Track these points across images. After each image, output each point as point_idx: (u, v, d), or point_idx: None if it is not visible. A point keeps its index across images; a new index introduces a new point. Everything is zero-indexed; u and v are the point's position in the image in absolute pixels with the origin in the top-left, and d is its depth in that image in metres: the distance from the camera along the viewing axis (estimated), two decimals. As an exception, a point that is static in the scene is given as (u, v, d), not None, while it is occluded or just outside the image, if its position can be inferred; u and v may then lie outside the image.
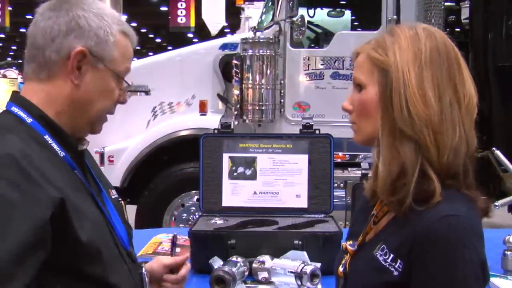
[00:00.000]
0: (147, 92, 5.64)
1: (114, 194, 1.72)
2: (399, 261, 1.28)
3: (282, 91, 5.38)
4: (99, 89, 1.50)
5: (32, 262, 1.26)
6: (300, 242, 2.35)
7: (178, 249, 1.97)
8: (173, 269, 1.88)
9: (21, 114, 1.45)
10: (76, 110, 1.49)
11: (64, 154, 1.46)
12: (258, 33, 5.39)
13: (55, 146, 1.45)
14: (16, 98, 1.50)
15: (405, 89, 1.29)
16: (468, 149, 1.31)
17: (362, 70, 1.39)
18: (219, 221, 2.58)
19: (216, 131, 2.81)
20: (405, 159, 1.29)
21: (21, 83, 11.98)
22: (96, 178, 1.63)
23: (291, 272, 2.11)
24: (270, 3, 6.08)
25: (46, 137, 1.44)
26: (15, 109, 1.46)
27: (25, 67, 1.52)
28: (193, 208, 5.40)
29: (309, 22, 5.75)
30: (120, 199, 1.75)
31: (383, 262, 1.31)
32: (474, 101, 1.34)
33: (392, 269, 1.29)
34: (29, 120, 1.44)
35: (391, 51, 1.33)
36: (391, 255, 1.30)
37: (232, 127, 2.83)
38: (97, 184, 1.62)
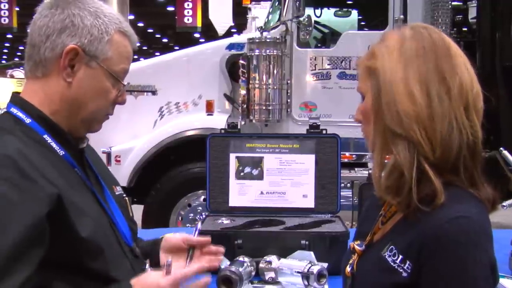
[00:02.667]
0: (154, 92, 5.65)
1: (118, 190, 1.73)
2: (408, 262, 1.28)
3: (288, 91, 5.37)
4: (93, 88, 1.51)
5: (31, 258, 1.29)
6: (307, 242, 2.35)
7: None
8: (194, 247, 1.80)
9: (20, 115, 1.47)
10: (69, 109, 1.50)
11: (63, 153, 1.48)
12: (264, 33, 5.39)
13: (54, 145, 1.47)
14: (15, 99, 1.51)
15: (391, 89, 1.31)
16: (461, 140, 1.29)
17: (361, 80, 1.43)
18: (225, 221, 2.58)
19: (223, 131, 2.81)
20: (400, 158, 1.29)
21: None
22: (98, 175, 1.64)
23: (298, 272, 2.11)
24: (277, 3, 6.07)
25: (45, 136, 1.46)
26: (14, 110, 1.48)
27: (24, 65, 1.54)
28: (200, 208, 5.40)
29: (315, 22, 5.75)
30: (124, 195, 1.76)
31: (392, 263, 1.31)
32: (467, 86, 1.31)
33: (401, 270, 1.29)
34: (28, 120, 1.46)
35: (379, 55, 1.36)
36: (400, 256, 1.30)
37: (239, 127, 2.84)
38: (99, 181, 1.63)
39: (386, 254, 1.34)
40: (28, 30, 1.52)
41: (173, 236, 1.87)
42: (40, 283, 1.32)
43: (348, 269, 1.48)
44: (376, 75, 1.35)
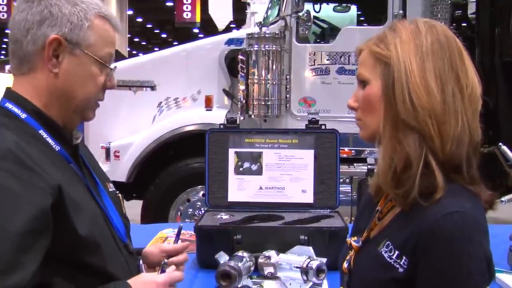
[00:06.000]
0: (153, 88, 5.65)
1: (111, 187, 1.73)
2: (404, 257, 1.28)
3: (287, 87, 5.37)
4: (80, 75, 1.50)
5: (37, 249, 1.29)
6: (306, 237, 2.35)
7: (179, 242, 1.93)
8: (174, 255, 1.81)
9: (15, 110, 1.47)
10: (60, 100, 1.49)
11: (59, 148, 1.48)
12: (264, 28, 5.38)
13: (50, 140, 1.47)
14: (10, 94, 1.51)
15: (407, 80, 1.30)
16: (471, 140, 1.31)
17: (366, 66, 1.40)
18: (225, 216, 2.58)
19: (222, 126, 2.81)
20: (410, 151, 1.29)
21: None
22: (92, 171, 1.64)
23: (297, 267, 2.11)
24: (276, -2, 6.06)
25: (41, 132, 1.46)
26: (9, 105, 1.48)
27: (10, 63, 1.54)
28: (199, 203, 5.40)
29: (315, 17, 5.73)
30: (117, 192, 1.76)
31: (388, 259, 1.31)
32: (478, 92, 1.34)
33: (397, 265, 1.29)
34: (23, 115, 1.46)
35: (393, 44, 1.34)
36: (396, 252, 1.30)
37: (238, 122, 2.84)
38: (93, 177, 1.63)
39: (382, 250, 1.34)
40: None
41: (150, 252, 1.83)
42: (38, 278, 1.31)
43: (345, 265, 1.49)
44: (388, 64, 1.33)
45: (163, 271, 1.50)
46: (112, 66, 1.56)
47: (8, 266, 1.22)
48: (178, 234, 1.81)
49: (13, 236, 1.24)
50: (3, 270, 1.22)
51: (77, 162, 1.56)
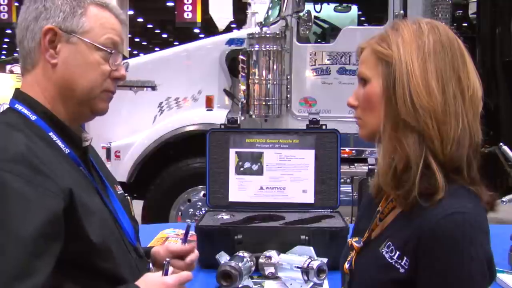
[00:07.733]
0: (153, 88, 5.66)
1: (120, 190, 1.72)
2: (405, 258, 1.28)
3: (288, 87, 5.37)
4: (80, 63, 1.49)
5: (49, 254, 1.28)
6: (306, 237, 2.35)
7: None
8: (180, 256, 1.79)
9: (25, 111, 1.46)
10: (63, 92, 1.49)
11: (68, 151, 1.47)
12: (264, 28, 5.39)
13: (59, 143, 1.46)
14: (19, 95, 1.51)
15: (408, 81, 1.30)
16: (471, 141, 1.31)
17: (367, 65, 1.40)
18: (225, 216, 2.58)
19: (222, 126, 2.81)
20: (409, 151, 1.29)
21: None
22: (101, 174, 1.64)
23: (298, 267, 2.11)
24: (277, -2, 6.07)
25: (51, 134, 1.45)
26: (19, 107, 1.47)
27: (20, 66, 1.56)
28: (200, 203, 5.40)
29: (315, 17, 5.74)
30: (126, 194, 1.75)
31: (389, 259, 1.31)
32: (479, 93, 1.34)
33: (398, 266, 1.29)
34: (33, 117, 1.45)
35: (395, 44, 1.34)
36: (397, 252, 1.30)
37: (238, 122, 2.84)
38: (102, 180, 1.63)
39: (383, 250, 1.34)
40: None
41: (158, 252, 1.83)
42: (50, 282, 1.30)
43: (346, 265, 1.49)
44: (389, 64, 1.33)
45: (166, 271, 1.50)
46: (119, 55, 1.54)
47: (21, 271, 1.21)
48: (186, 234, 1.79)
49: (25, 241, 1.23)
50: (16, 276, 1.21)
51: (87, 165, 1.55)
